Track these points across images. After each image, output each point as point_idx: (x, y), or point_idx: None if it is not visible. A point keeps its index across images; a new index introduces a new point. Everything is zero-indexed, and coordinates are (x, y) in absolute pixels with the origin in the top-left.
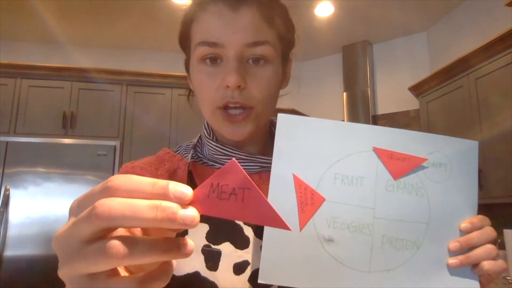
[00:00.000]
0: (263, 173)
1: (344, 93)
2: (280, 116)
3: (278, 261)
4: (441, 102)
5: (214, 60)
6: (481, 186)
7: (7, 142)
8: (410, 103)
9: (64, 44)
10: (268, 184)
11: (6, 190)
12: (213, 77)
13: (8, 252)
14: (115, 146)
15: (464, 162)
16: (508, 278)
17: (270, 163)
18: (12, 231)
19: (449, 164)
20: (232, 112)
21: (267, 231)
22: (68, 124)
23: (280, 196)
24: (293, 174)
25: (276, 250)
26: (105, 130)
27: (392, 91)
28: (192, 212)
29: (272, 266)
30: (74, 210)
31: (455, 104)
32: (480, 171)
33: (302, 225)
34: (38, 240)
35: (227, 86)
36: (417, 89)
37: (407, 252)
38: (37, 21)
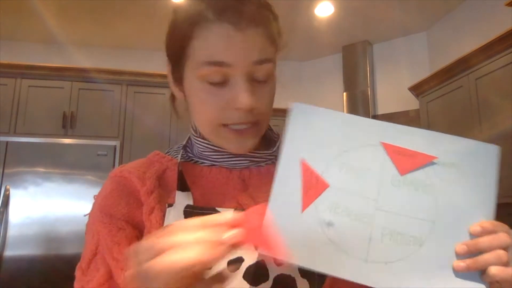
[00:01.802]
0: (252, 168)
1: (344, 93)
2: (296, 104)
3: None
4: (441, 102)
5: (220, 79)
6: None
7: (7, 142)
8: (410, 103)
9: (64, 44)
10: (258, 178)
11: (6, 190)
12: (218, 97)
13: (8, 252)
14: (115, 146)
15: (480, 164)
16: None
17: (259, 158)
18: (12, 231)
19: (462, 165)
20: (238, 127)
21: (270, 207)
22: (68, 124)
23: (287, 177)
24: (301, 159)
25: (276, 227)
26: (105, 130)
27: (392, 91)
28: (233, 231)
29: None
30: (140, 254)
31: (455, 104)
32: None
33: (304, 206)
34: (38, 240)
35: (238, 108)
36: (417, 89)
37: (408, 247)
38: (37, 21)
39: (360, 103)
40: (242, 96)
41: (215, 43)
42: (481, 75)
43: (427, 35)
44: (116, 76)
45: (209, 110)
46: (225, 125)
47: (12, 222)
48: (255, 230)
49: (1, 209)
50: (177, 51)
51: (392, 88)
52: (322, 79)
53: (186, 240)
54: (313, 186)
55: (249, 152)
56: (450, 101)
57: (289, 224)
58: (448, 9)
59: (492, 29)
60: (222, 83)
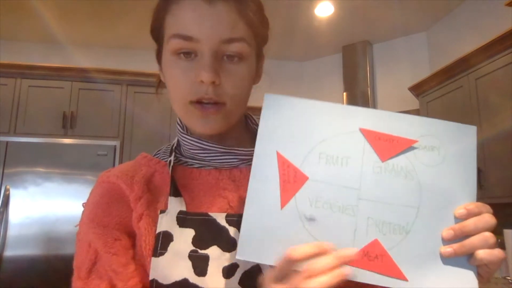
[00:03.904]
0: (243, 167)
1: (344, 93)
2: (267, 95)
3: (258, 237)
4: (441, 102)
5: (188, 54)
6: (481, 186)
7: (7, 142)
8: (410, 103)
9: (64, 44)
10: (248, 178)
11: (6, 190)
12: (187, 72)
13: (8, 252)
14: (115, 146)
15: (460, 146)
16: (508, 278)
17: (249, 156)
18: (12, 231)
19: (442, 148)
20: (205, 106)
21: (248, 206)
22: (68, 124)
23: (263, 173)
24: (277, 152)
25: (256, 227)
26: (105, 130)
27: (392, 91)
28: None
29: (251, 242)
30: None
31: (455, 104)
32: (480, 171)
33: (283, 203)
34: (38, 240)
35: (202, 81)
36: (417, 89)
37: (395, 237)
38: (37, 21)
39: (360, 103)
40: (204, 70)
41: (184, 17)
42: (481, 75)
43: (427, 35)
44: (116, 76)
45: (178, 85)
46: (192, 102)
47: (12, 222)
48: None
49: (1, 209)
50: (156, 28)
51: (392, 88)
52: (322, 79)
53: (323, 267)
54: (291, 180)
55: (237, 149)
56: (450, 101)
57: (269, 222)
58: (448, 9)
59: (492, 29)
60: (192, 58)
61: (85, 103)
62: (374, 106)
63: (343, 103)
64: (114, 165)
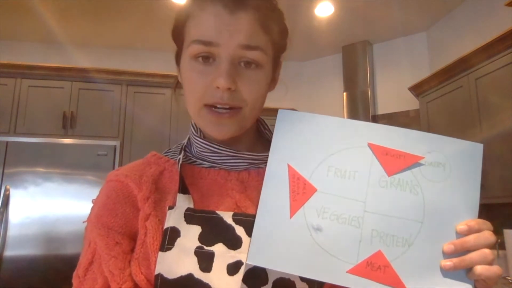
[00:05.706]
0: (251, 170)
1: (344, 93)
2: (281, 111)
3: (267, 244)
4: (441, 102)
5: (207, 58)
6: (481, 185)
7: (7, 142)
8: (410, 103)
9: (64, 44)
10: (257, 180)
11: (6, 190)
12: (204, 75)
13: (8, 252)
14: (115, 146)
15: (466, 163)
16: (508, 278)
17: (258, 160)
18: (12, 231)
19: (448, 164)
20: (219, 110)
21: (259, 214)
22: (68, 124)
23: (274, 184)
24: (288, 165)
25: (266, 234)
26: (105, 130)
27: (392, 91)
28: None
29: (261, 248)
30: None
31: (455, 104)
32: None
33: (292, 212)
34: (38, 240)
35: (217, 87)
36: (417, 89)
37: (398, 249)
38: (37, 21)
39: (360, 103)
40: (221, 76)
41: (205, 23)
42: (481, 75)
43: (427, 35)
44: (116, 76)
45: (194, 88)
46: (207, 106)
47: (12, 222)
48: None
49: (1, 209)
50: (177, 30)
51: (392, 88)
52: (322, 79)
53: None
54: (300, 191)
55: (247, 153)
56: (450, 101)
57: (278, 230)
58: (448, 9)
59: (492, 29)
60: (210, 63)
61: (85, 103)
62: (374, 106)
63: (343, 103)
64: (114, 165)
